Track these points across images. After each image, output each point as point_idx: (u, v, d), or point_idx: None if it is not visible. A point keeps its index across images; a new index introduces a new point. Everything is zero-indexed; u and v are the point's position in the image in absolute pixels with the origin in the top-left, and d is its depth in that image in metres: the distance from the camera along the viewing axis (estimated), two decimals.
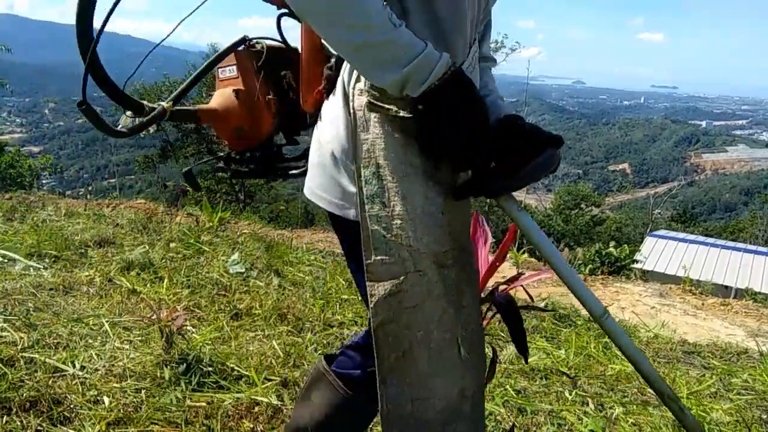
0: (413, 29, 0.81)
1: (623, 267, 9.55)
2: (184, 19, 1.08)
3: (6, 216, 4.12)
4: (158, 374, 1.85)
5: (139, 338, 2.13)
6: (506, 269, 5.87)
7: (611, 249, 10.19)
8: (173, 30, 1.11)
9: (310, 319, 2.68)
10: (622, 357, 2.82)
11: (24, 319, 2.11)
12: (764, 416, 2.35)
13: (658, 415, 2.17)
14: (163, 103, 1.20)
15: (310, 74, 1.01)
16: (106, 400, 1.68)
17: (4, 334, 1.97)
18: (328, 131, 0.96)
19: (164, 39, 1.16)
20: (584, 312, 3.97)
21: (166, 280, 2.90)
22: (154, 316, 1.98)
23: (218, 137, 1.23)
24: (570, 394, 2.31)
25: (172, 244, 3.65)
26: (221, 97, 1.22)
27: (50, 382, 1.70)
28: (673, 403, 1.01)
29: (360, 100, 0.88)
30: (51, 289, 2.56)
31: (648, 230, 24.30)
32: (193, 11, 1.08)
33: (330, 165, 0.96)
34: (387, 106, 0.85)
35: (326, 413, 1.13)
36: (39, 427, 1.53)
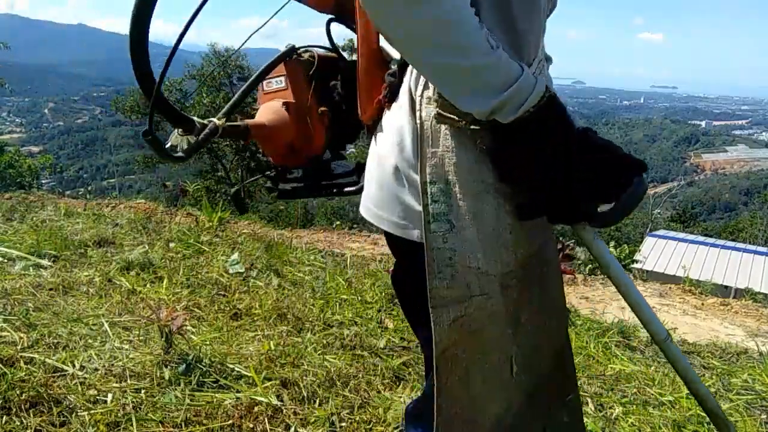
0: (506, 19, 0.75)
1: (623, 267, 9.54)
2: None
3: (5, 216, 4.12)
4: (158, 374, 1.85)
5: (139, 338, 2.12)
6: None
7: (611, 249, 10.19)
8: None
9: (310, 319, 2.68)
10: (622, 356, 2.82)
11: (24, 319, 2.11)
12: (764, 416, 2.35)
13: (657, 415, 2.17)
14: (214, 120, 1.05)
15: (369, 82, 0.92)
16: (106, 399, 1.68)
17: (3, 334, 1.97)
18: (389, 144, 0.89)
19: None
20: (584, 312, 3.98)
21: (165, 280, 2.90)
22: (154, 316, 1.98)
23: (264, 154, 1.12)
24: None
25: (171, 244, 3.65)
26: (269, 110, 1.09)
27: (50, 382, 1.70)
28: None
29: (428, 110, 0.81)
30: (50, 289, 2.56)
31: (648, 230, 24.29)
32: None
33: (390, 181, 0.89)
34: (458, 118, 0.78)
35: None
36: (39, 427, 1.52)
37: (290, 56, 1.08)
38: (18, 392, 1.61)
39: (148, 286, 2.83)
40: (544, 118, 0.73)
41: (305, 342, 2.39)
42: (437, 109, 0.79)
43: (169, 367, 1.90)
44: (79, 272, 2.88)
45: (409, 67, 0.85)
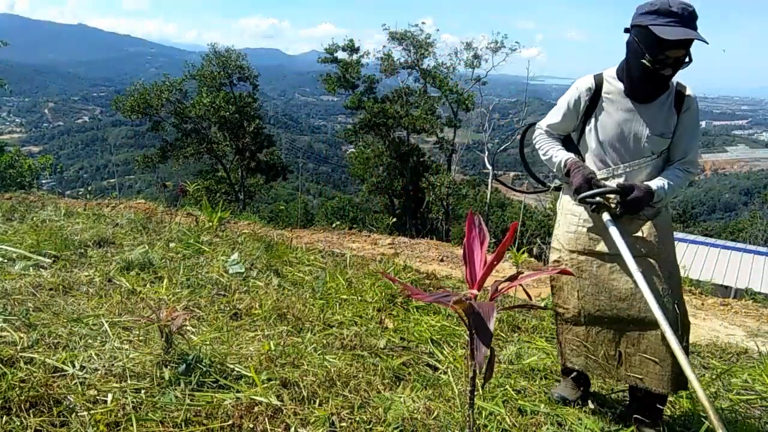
0: (586, 146, 2.17)
1: None
2: None
3: (6, 216, 4.12)
4: (158, 374, 1.85)
5: (139, 338, 2.12)
6: (506, 269, 5.87)
7: None
8: None
9: (310, 319, 2.68)
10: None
11: (24, 319, 2.11)
12: (764, 416, 2.35)
13: None
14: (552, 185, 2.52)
15: None
16: (106, 399, 1.68)
17: (3, 334, 1.97)
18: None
19: None
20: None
21: (165, 280, 2.90)
22: (154, 316, 1.98)
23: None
24: None
25: (171, 244, 3.65)
26: None
27: (50, 382, 1.70)
28: None
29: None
30: (50, 289, 2.56)
31: None
32: None
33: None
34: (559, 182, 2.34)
35: None
36: (39, 427, 1.52)
37: None
38: (18, 392, 1.61)
39: (148, 286, 2.83)
40: (569, 171, 2.15)
41: (305, 342, 2.39)
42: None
43: (169, 367, 1.90)
44: (79, 272, 2.88)
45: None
